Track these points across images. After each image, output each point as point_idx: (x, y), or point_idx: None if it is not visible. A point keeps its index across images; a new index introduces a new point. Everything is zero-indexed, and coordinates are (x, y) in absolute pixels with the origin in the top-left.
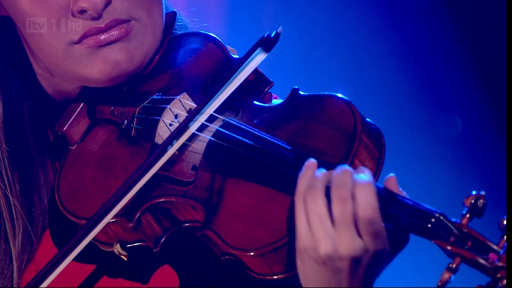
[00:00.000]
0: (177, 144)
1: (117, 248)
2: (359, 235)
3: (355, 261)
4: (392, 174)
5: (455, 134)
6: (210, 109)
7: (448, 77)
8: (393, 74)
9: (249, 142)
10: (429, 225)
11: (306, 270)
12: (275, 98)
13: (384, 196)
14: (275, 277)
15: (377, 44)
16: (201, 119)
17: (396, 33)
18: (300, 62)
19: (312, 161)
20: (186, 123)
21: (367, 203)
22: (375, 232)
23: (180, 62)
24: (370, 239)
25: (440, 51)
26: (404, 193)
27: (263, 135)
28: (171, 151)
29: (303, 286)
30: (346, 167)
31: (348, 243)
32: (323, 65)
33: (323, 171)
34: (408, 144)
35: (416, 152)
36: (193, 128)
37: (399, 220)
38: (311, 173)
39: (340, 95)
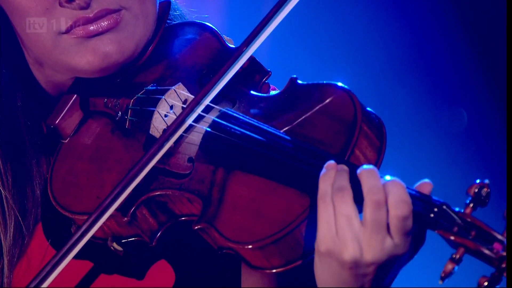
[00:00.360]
0: (174, 137)
1: (112, 244)
2: (390, 235)
3: (381, 266)
4: (427, 180)
5: (460, 128)
6: (213, 93)
7: (453, 70)
8: (397, 67)
9: (247, 132)
10: (432, 215)
11: (325, 273)
12: (273, 89)
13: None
14: (274, 270)
15: (381, 36)
16: (200, 108)
17: (400, 25)
18: (300, 52)
19: (332, 162)
20: (188, 112)
21: (402, 200)
22: (407, 230)
23: (175, 53)
24: (402, 237)
25: (445, 44)
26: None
27: (261, 125)
28: (168, 144)
29: (318, 286)
30: (372, 166)
31: (377, 248)
32: (324, 57)
33: (345, 169)
34: (413, 137)
35: (420, 146)
36: (190, 119)
37: (426, 219)
38: (334, 173)
39: (339, 84)
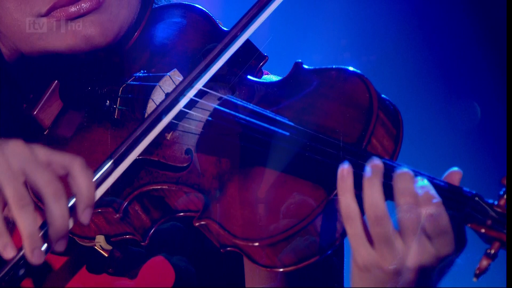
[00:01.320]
0: (166, 119)
1: (100, 242)
2: (428, 237)
3: (425, 271)
4: (456, 168)
5: (473, 122)
6: (207, 75)
7: (466, 63)
8: (409, 59)
9: (252, 121)
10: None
11: (366, 284)
12: (266, 74)
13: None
14: (281, 269)
15: (393, 29)
16: (192, 93)
17: (413, 17)
18: (299, 37)
19: (347, 167)
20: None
21: (431, 200)
22: (443, 228)
23: (164, 37)
24: (440, 236)
25: (457, 36)
26: None
27: (267, 113)
28: (160, 126)
29: None
30: (406, 169)
31: (418, 253)
32: (329, 48)
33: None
34: (425, 132)
35: (433, 140)
36: (183, 102)
37: (458, 213)
38: (351, 182)
39: (351, 68)
